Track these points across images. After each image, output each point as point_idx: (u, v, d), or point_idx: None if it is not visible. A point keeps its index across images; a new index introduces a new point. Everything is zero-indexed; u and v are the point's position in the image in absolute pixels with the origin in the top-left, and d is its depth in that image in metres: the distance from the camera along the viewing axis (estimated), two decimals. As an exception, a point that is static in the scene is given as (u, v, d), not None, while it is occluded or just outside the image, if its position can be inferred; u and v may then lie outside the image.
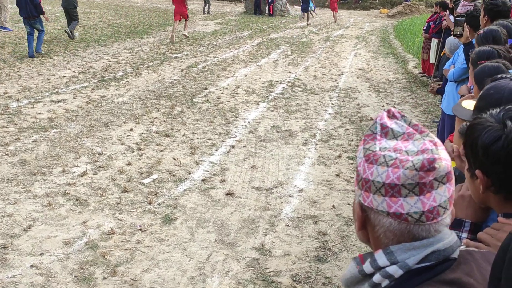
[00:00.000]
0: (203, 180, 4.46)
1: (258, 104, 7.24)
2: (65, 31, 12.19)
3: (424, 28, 9.13)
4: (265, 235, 3.53)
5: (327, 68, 10.53)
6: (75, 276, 2.92)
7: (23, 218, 3.58)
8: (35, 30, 9.88)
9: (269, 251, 3.31)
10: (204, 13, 22.85)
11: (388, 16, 25.01)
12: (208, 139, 5.60)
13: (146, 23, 17.36)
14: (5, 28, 13.21)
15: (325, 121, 6.52)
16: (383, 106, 7.37)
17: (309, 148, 5.43)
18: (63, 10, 12.42)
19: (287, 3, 25.64)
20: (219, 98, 7.46)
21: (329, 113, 6.90)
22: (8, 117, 5.90)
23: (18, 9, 9.86)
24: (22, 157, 4.71)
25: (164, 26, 16.79)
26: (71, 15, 12.05)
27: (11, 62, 9.25)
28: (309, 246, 3.41)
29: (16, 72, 8.41)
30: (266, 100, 7.52)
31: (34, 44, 9.87)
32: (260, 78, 9.12)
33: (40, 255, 3.12)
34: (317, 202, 4.11)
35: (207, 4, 23.00)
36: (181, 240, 3.42)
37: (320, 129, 6.13)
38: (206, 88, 8.07)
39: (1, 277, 2.87)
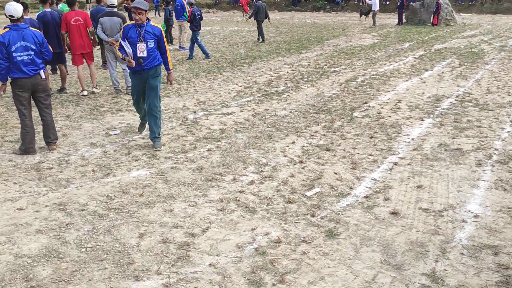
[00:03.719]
0: (366, 197, 4.38)
1: (423, 120, 6.85)
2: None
3: None
4: (436, 261, 3.30)
5: (503, 81, 9.46)
6: (247, 279, 3.13)
7: (202, 220, 3.96)
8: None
9: (442, 280, 3.08)
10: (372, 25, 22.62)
11: None
12: (370, 154, 5.49)
13: (304, 39, 17.89)
14: (183, 48, 14.96)
15: (502, 140, 5.85)
16: None
17: (484, 170, 4.93)
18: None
19: (453, 11, 23.84)
20: (379, 113, 7.27)
21: (508, 132, 6.17)
22: (187, 128, 6.63)
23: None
24: (199, 164, 5.24)
25: (322, 41, 17.08)
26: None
27: (188, 78, 10.42)
28: (488, 280, 3.08)
29: (193, 87, 9.43)
30: (432, 115, 7.08)
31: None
32: (423, 92, 8.63)
33: (217, 255, 3.42)
34: (496, 230, 3.70)
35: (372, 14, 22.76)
36: (345, 256, 3.40)
37: (497, 149, 5.52)
38: (365, 103, 7.94)
39: (185, 272, 3.23)
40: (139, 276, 3.16)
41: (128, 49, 5.44)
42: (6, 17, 5.30)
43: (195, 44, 13.10)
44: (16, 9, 5.24)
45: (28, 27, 5.36)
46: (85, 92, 8.71)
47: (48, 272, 3.22)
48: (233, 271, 3.21)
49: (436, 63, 11.83)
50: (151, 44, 5.53)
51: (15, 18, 5.27)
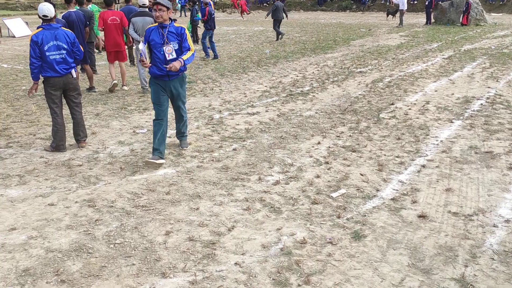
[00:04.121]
0: (393, 199, 4.32)
1: (452, 122, 6.71)
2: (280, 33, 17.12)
3: None
4: (466, 266, 3.23)
5: (536, 82, 9.18)
6: (272, 279, 3.13)
7: (227, 219, 3.99)
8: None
9: (471, 285, 3.02)
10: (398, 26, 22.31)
11: None
12: (396, 156, 5.41)
13: (330, 39, 17.77)
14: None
15: (535, 143, 5.68)
16: None
17: (516, 174, 4.79)
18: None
19: (484, 11, 23.26)
20: (407, 114, 7.16)
21: (541, 135, 5.99)
22: (213, 127, 6.68)
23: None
24: (225, 164, 5.27)
25: (348, 41, 16.93)
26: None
27: (214, 77, 10.49)
28: (520, 287, 3.00)
29: (218, 87, 9.49)
30: (461, 117, 6.93)
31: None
32: (453, 94, 8.45)
33: (242, 254, 3.43)
34: (529, 236, 3.59)
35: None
36: (371, 258, 3.36)
37: (529, 153, 5.36)
38: (392, 104, 7.83)
39: (211, 270, 3.25)
40: (166, 273, 3.20)
41: (142, 47, 5.08)
42: (39, 17, 5.45)
43: (208, 42, 13.19)
44: (49, 9, 5.39)
45: (60, 26, 5.50)
46: (116, 82, 8.97)
47: (78, 266, 3.29)
48: (258, 270, 3.22)
49: (465, 64, 11.58)
50: (175, 45, 5.10)
51: (49, 18, 5.41)
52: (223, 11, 38.14)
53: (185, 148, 5.69)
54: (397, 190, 4.52)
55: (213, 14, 13.13)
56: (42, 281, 3.12)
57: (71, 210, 4.17)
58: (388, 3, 34.22)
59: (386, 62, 12.12)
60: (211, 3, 14.68)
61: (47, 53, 5.29)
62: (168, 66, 4.99)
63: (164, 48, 5.04)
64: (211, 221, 3.95)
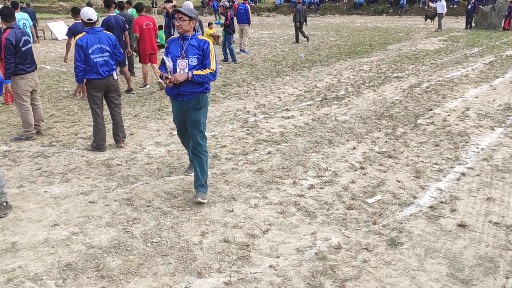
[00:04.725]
0: (431, 207, 4.23)
1: (493, 129, 6.51)
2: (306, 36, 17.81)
3: None
4: (507, 277, 3.13)
5: None
6: (307, 283, 3.12)
7: (262, 222, 4.01)
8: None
9: (514, 298, 2.92)
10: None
11: None
12: (435, 163, 5.29)
13: (366, 43, 17.57)
14: (244, 51, 15.17)
15: None
16: None
17: (562, 184, 4.60)
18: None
19: (528, 15, 22.38)
20: (445, 121, 6.99)
21: None
22: (248, 130, 6.73)
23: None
24: (259, 166, 5.29)
25: (384, 45, 16.69)
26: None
27: (249, 81, 10.56)
28: None
29: (253, 90, 9.54)
30: (503, 125, 6.71)
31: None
32: (494, 100, 8.20)
33: (277, 257, 3.44)
34: None
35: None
36: (408, 267, 3.30)
37: None
38: (430, 109, 7.67)
39: (245, 271, 3.28)
40: (201, 272, 3.25)
41: (169, 62, 4.23)
42: (83, 22, 5.64)
43: (227, 47, 13.29)
44: (93, 13, 5.60)
45: (102, 30, 5.68)
46: (148, 86, 9.72)
47: (117, 263, 3.39)
48: (292, 274, 3.22)
49: (508, 69, 11.20)
50: (194, 61, 4.20)
51: (93, 21, 5.61)
52: (258, 15, 38.35)
53: (202, 201, 4.31)
54: (435, 198, 4.42)
55: (233, 18, 13.34)
56: (83, 276, 3.23)
57: (111, 208, 4.30)
58: (426, 7, 33.51)
59: (424, 67, 11.87)
60: (248, 6, 14.81)
61: (92, 56, 5.48)
62: (169, 77, 4.20)
63: (178, 61, 4.23)
64: (245, 223, 3.99)
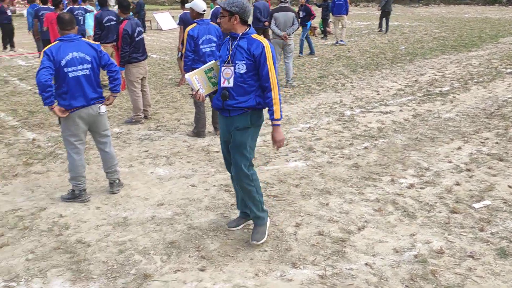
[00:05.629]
0: (548, 218, 3.84)
1: None
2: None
3: None
4: None
5: None
6: (405, 285, 3.01)
7: (357, 218, 3.93)
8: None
9: None
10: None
11: None
12: (554, 170, 4.78)
13: (474, 35, 16.30)
14: (341, 41, 14.91)
15: None
16: None
17: None
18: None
19: None
20: None
21: None
22: (344, 124, 6.61)
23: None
24: (356, 162, 5.18)
25: (496, 38, 15.35)
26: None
27: (346, 73, 10.35)
28: None
29: (350, 83, 9.34)
30: None
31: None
32: None
33: (373, 256, 3.36)
34: None
35: None
36: (520, 280, 3.04)
37: None
38: (550, 110, 6.93)
39: (340, 267, 3.25)
40: (296, 263, 3.28)
41: (189, 82, 3.45)
42: (196, 13, 5.87)
43: (305, 40, 13.03)
44: (205, 5, 5.89)
45: (210, 21, 5.92)
46: None
47: (215, 245, 3.55)
48: (390, 274, 3.13)
49: None
50: (241, 68, 3.26)
51: (204, 13, 5.89)
52: (356, 5, 37.31)
53: (255, 243, 3.49)
54: (553, 208, 4.01)
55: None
56: (185, 255, 3.43)
57: (210, 192, 4.50)
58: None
59: (543, 63, 10.73)
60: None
61: (201, 46, 5.72)
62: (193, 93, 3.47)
63: (223, 68, 3.35)
64: (341, 218, 3.94)
